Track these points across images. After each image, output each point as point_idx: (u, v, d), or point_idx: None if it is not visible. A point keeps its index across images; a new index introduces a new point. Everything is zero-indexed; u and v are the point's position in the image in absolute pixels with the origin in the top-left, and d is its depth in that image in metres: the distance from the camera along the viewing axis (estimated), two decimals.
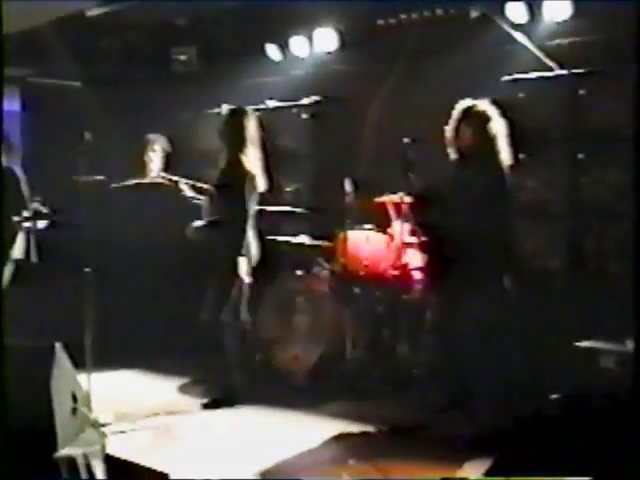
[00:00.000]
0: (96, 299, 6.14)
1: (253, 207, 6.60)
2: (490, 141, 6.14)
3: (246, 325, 6.63)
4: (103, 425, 5.69)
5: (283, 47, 8.22)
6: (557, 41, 6.79)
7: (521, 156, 6.83)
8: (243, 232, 6.50)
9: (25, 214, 6.86)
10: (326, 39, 7.88)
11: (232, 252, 6.48)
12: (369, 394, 6.67)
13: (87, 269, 6.13)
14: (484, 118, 6.17)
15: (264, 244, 6.74)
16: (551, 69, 6.77)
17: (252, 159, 6.61)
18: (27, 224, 6.89)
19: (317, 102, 8.33)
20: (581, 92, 6.66)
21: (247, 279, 6.52)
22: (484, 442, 5.33)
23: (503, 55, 6.97)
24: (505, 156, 6.15)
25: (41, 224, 6.95)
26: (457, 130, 6.25)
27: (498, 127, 6.17)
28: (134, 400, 6.48)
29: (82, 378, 5.70)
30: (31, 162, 9.28)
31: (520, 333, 6.38)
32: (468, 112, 6.22)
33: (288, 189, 8.60)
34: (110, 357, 6.53)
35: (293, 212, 8.13)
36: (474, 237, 6.00)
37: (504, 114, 6.20)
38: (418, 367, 6.84)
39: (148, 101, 8.71)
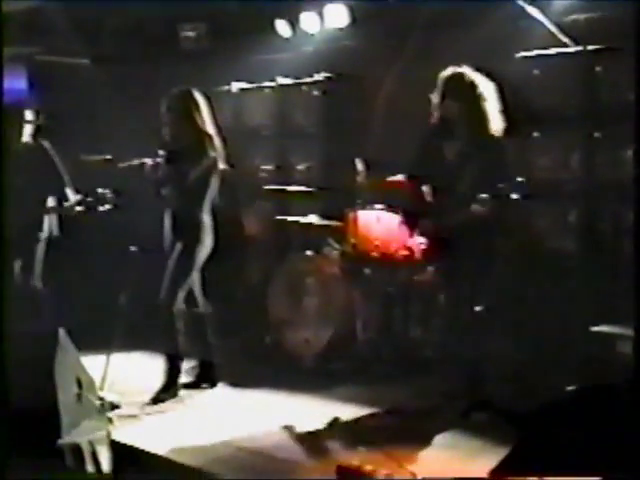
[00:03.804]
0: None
1: (212, 191, 6.33)
2: (478, 108, 5.87)
3: (204, 314, 6.47)
4: (111, 406, 5.63)
5: (293, 23, 8.12)
6: (573, 17, 6.65)
7: (535, 134, 6.74)
8: (198, 217, 6.29)
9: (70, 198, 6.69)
10: (337, 15, 7.78)
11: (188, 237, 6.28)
12: (380, 377, 6.61)
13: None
14: (470, 84, 5.88)
15: (218, 232, 6.43)
16: (567, 45, 6.62)
17: (211, 139, 6.34)
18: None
19: (328, 79, 8.22)
20: (597, 69, 6.52)
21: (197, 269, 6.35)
22: (497, 427, 5.26)
23: (518, 31, 6.83)
24: (494, 123, 5.83)
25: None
26: (443, 98, 5.95)
27: (486, 93, 5.86)
28: (141, 384, 6.41)
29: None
30: None
31: (534, 315, 6.29)
32: (452, 79, 5.94)
33: (299, 167, 8.50)
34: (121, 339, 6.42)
35: (303, 191, 8.01)
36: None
37: (492, 80, 5.89)
38: (430, 349, 6.79)
39: (156, 78, 8.61)
